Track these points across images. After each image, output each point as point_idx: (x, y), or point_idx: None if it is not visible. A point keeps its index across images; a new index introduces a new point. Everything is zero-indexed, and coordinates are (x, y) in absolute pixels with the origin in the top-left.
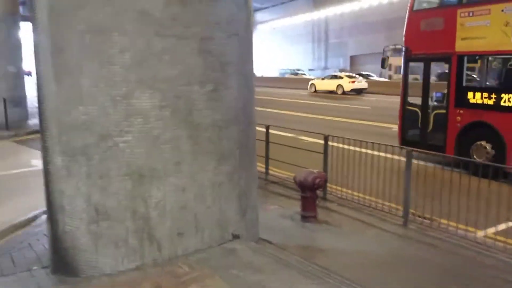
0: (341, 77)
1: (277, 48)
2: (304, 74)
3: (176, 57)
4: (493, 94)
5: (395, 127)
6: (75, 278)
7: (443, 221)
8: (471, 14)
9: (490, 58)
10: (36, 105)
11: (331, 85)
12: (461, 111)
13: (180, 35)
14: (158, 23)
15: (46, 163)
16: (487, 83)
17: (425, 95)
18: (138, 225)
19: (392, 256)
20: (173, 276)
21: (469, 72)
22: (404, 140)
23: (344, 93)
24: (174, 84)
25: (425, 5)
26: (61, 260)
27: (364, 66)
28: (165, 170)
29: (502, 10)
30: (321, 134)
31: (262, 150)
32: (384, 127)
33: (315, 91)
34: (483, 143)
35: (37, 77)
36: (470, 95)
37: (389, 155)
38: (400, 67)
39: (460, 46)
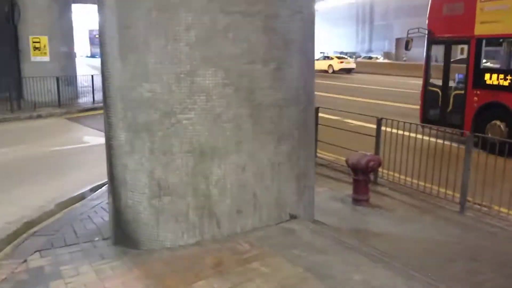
0: (332, 58)
1: (318, 31)
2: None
3: (240, 35)
4: (509, 76)
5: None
6: (137, 250)
7: (503, 209)
8: None
9: (507, 41)
10: (85, 84)
11: (323, 65)
12: (478, 92)
13: (245, 12)
14: None
15: (109, 138)
16: (504, 65)
17: (446, 77)
18: (199, 201)
19: (453, 243)
20: (234, 253)
21: (487, 55)
22: (426, 118)
23: (334, 72)
24: (237, 62)
25: None
26: (122, 232)
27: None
28: (226, 148)
29: None
30: (374, 117)
31: None
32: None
33: None
34: (498, 122)
35: (102, 55)
36: (487, 76)
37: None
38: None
39: (479, 29)
